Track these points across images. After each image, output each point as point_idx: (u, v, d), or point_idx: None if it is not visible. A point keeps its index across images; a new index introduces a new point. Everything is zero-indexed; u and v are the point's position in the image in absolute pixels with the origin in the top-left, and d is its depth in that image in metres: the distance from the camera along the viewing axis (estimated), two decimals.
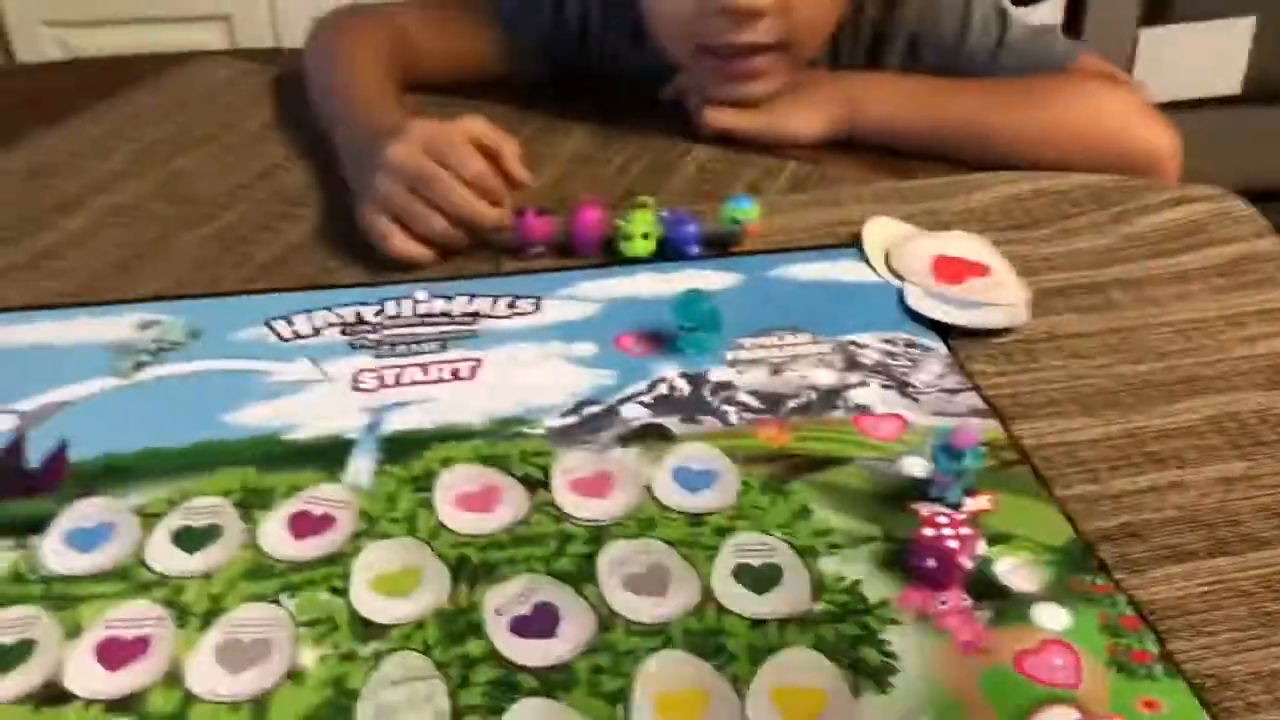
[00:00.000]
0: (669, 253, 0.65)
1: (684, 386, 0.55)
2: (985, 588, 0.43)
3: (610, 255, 0.65)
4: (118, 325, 0.59)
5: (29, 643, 0.41)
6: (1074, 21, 1.91)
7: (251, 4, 1.77)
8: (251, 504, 0.48)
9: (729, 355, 0.57)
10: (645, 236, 0.64)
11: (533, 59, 0.88)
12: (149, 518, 0.47)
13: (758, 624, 0.42)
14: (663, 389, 0.55)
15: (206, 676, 0.40)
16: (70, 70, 0.99)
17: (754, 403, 0.54)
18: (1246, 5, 1.92)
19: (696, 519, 0.47)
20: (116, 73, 0.90)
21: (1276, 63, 1.97)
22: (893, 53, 0.82)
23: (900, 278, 0.62)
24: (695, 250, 0.64)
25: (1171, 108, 2.09)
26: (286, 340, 0.58)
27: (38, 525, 0.46)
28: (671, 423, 0.52)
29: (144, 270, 0.64)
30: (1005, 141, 0.75)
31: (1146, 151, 0.74)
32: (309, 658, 0.41)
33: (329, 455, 0.50)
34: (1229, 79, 1.99)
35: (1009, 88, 0.77)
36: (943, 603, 0.42)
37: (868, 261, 0.64)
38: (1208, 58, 1.97)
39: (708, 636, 0.42)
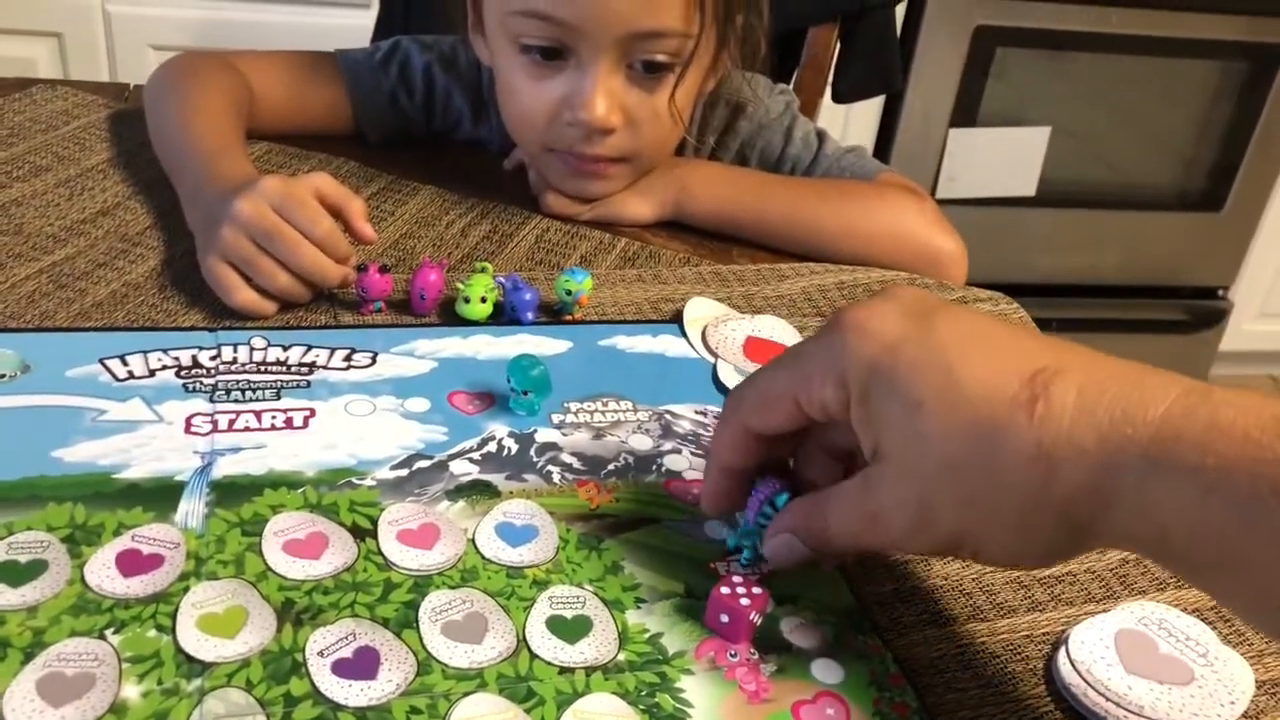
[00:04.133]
0: (505, 317, 0.68)
1: (512, 445, 0.58)
2: (771, 642, 0.48)
3: (447, 315, 0.68)
4: None
5: None
6: (890, 119, 2.06)
7: (85, 24, 1.73)
8: (79, 540, 0.49)
9: (555, 418, 0.61)
10: (483, 300, 0.67)
11: (377, 118, 0.90)
12: None
13: (565, 671, 0.46)
14: (492, 447, 0.58)
15: (24, 709, 0.41)
16: None
17: (576, 464, 0.58)
18: (1043, 116, 2.11)
19: (516, 571, 0.50)
20: None
21: (1066, 170, 2.16)
22: (724, 158, 0.89)
23: (714, 354, 0.68)
24: (530, 316, 0.68)
25: (974, 204, 2.25)
26: (121, 379, 0.59)
27: None
28: (498, 479, 0.56)
29: None
30: (815, 232, 0.82)
31: (938, 254, 0.82)
32: (133, 692, 0.42)
33: (159, 496, 0.52)
34: (1025, 181, 2.17)
35: (824, 186, 0.85)
36: (733, 655, 0.47)
37: (686, 338, 0.69)
38: (1008, 160, 2.14)
39: (519, 681, 0.45)
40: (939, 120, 2.06)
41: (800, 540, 0.47)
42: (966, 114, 2.07)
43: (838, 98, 1.35)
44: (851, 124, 2.02)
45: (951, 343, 0.42)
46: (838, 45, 1.31)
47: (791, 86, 1.28)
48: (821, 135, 0.89)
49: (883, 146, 2.07)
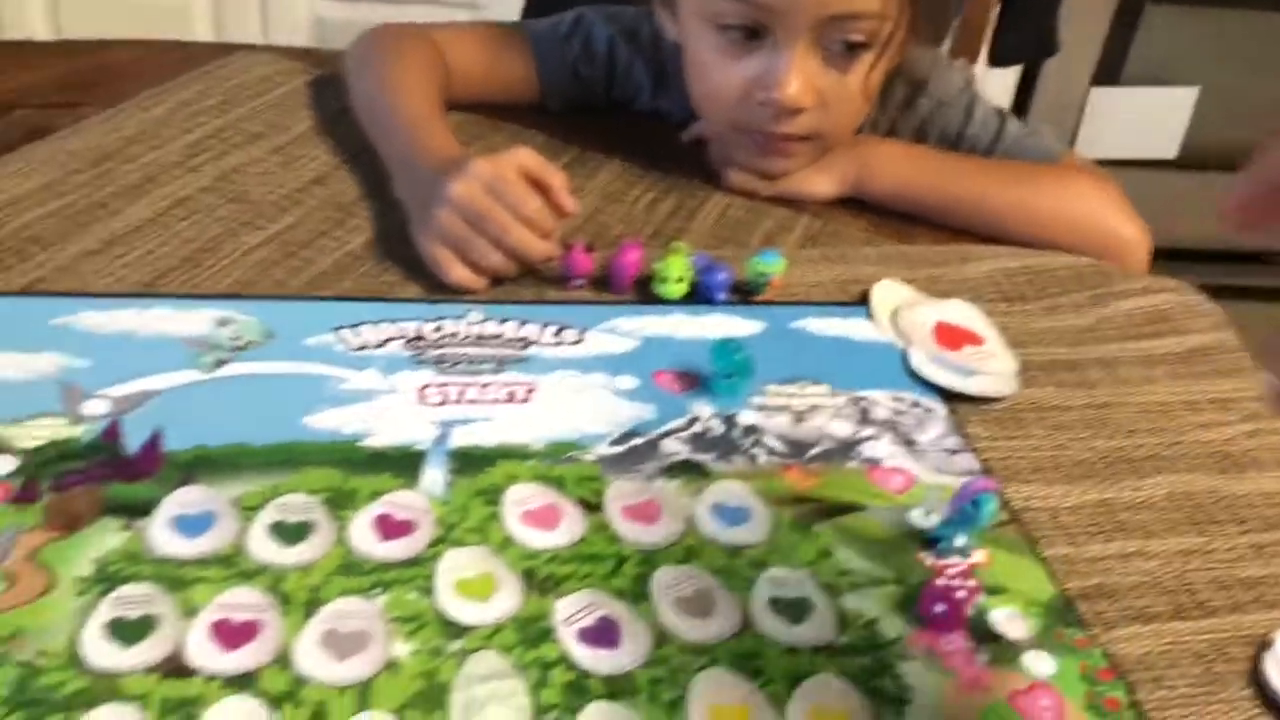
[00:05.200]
0: (697, 296, 0.71)
1: (717, 426, 0.61)
2: (983, 633, 0.50)
3: (641, 293, 0.71)
4: (195, 319, 0.63)
5: (150, 618, 0.46)
6: (1030, 74, 2.02)
7: None
8: (339, 504, 0.53)
9: (756, 400, 0.63)
10: (679, 280, 0.70)
11: (560, 90, 0.93)
12: (247, 509, 0.52)
13: (790, 650, 0.48)
14: (698, 427, 0.61)
15: (313, 661, 0.45)
16: (104, 52, 1.00)
17: (779, 447, 0.60)
18: (1191, 76, 2.05)
19: (734, 551, 0.53)
20: (151, 59, 0.93)
21: (1213, 132, 2.09)
22: (903, 135, 0.89)
23: (906, 339, 0.69)
24: (722, 296, 0.70)
25: (1111, 164, 2.20)
26: (354, 349, 0.63)
27: (142, 508, 0.51)
28: (707, 460, 0.59)
29: (210, 266, 0.68)
30: (998, 215, 0.83)
31: (1122, 241, 0.82)
32: (402, 650, 0.46)
33: (404, 464, 0.56)
34: (1168, 143, 2.11)
35: (1006, 168, 0.85)
36: (948, 644, 0.50)
37: (874, 321, 0.71)
38: (1150, 121, 2.08)
39: (748, 659, 0.48)
40: (1080, 78, 2.01)
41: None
42: (1110, 72, 2.02)
43: (995, 61, 1.34)
44: (991, 81, 1.98)
45: None
46: (997, 8, 1.30)
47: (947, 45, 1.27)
48: (1003, 115, 0.89)
49: (1021, 103, 2.03)
